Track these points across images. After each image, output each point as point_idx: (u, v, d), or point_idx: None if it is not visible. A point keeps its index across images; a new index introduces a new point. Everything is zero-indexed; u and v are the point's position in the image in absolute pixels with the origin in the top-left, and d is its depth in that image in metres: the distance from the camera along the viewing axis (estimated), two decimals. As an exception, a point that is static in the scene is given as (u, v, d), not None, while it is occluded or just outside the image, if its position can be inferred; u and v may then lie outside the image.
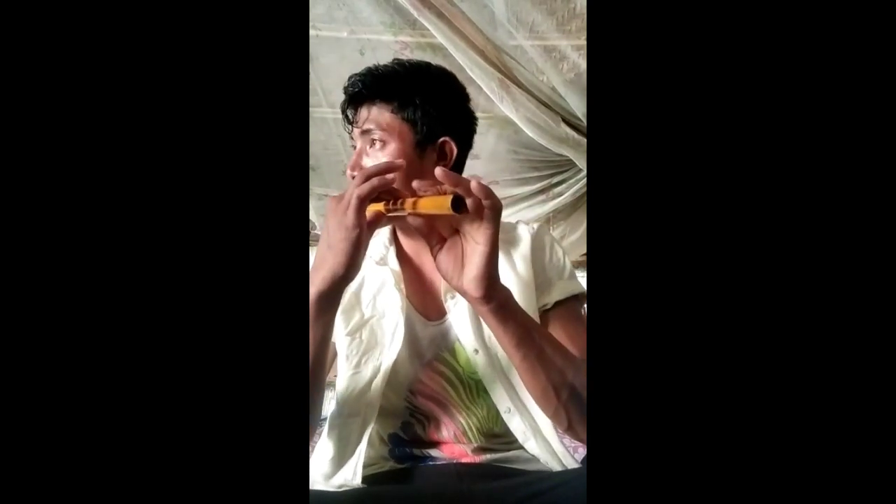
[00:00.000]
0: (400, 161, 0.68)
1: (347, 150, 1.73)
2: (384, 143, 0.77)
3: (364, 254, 0.64)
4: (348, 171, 0.79)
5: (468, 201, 0.59)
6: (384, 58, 1.42)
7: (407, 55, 1.43)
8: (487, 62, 1.35)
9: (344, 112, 0.83)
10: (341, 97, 0.84)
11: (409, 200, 0.65)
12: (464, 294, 0.66)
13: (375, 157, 0.77)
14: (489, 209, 0.60)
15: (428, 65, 0.85)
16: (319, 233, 2.06)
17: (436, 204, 0.61)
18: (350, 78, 0.82)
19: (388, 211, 0.66)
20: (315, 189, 1.87)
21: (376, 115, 0.79)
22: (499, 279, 0.65)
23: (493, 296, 0.64)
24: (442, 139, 0.80)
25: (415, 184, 0.64)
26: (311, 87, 1.51)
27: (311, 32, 1.39)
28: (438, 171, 0.60)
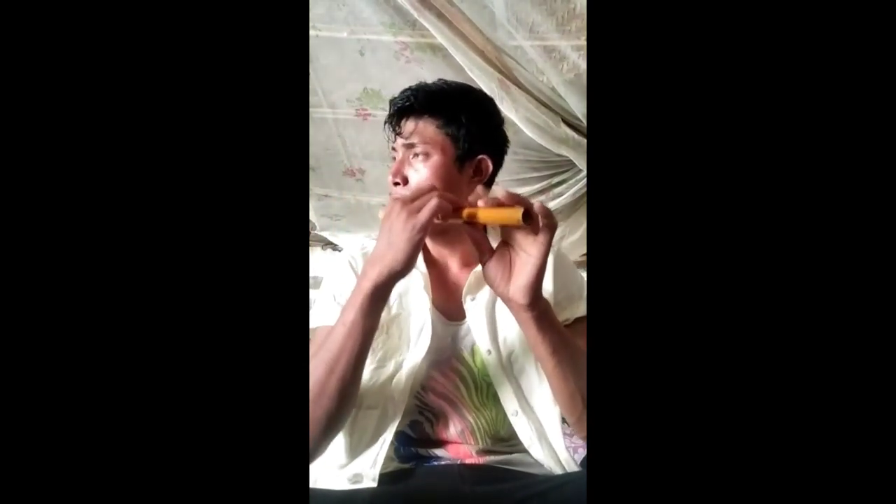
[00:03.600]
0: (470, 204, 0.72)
1: (347, 150, 1.73)
2: (427, 156, 0.83)
3: (419, 254, 0.68)
4: (390, 178, 0.85)
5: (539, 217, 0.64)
6: (384, 58, 1.44)
7: (407, 55, 1.43)
8: (487, 62, 1.35)
9: (389, 123, 0.88)
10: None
11: (468, 211, 0.69)
12: (508, 301, 0.70)
13: (417, 168, 0.84)
14: (547, 226, 0.65)
15: (472, 87, 0.94)
16: (319, 233, 2.07)
17: (505, 215, 0.66)
18: (401, 92, 0.88)
19: (445, 220, 0.69)
20: (315, 189, 1.87)
21: (422, 129, 0.85)
22: (542, 290, 0.69)
23: (537, 304, 0.68)
24: (480, 156, 0.87)
25: (480, 202, 0.68)
26: (311, 87, 1.50)
27: (311, 32, 1.39)
28: (502, 191, 0.65)
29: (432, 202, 0.65)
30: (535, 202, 0.65)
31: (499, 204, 0.66)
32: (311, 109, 1.55)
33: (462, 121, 0.84)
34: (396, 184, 0.84)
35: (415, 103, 0.85)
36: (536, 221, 0.64)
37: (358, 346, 0.68)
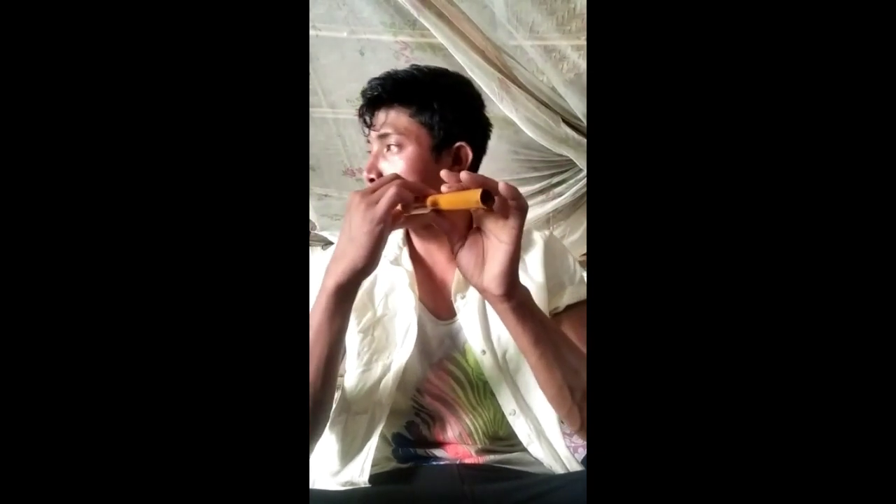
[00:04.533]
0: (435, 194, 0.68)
1: (347, 150, 1.73)
2: (401, 147, 0.79)
3: (383, 249, 0.64)
4: (365, 174, 0.80)
5: (496, 200, 0.60)
6: (384, 58, 1.44)
7: (407, 55, 1.43)
8: (487, 62, 1.35)
9: (362, 115, 0.84)
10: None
11: (431, 198, 0.65)
12: (483, 292, 0.66)
13: (392, 161, 0.79)
14: (516, 209, 0.60)
15: (446, 71, 0.87)
16: (319, 233, 2.07)
17: (463, 199, 0.61)
18: (369, 82, 0.83)
19: (408, 210, 0.66)
20: (315, 189, 1.86)
21: (394, 119, 0.80)
22: (518, 278, 0.65)
23: (514, 294, 0.64)
24: (458, 144, 0.82)
25: (442, 188, 0.63)
26: (311, 87, 1.50)
27: (311, 32, 1.39)
28: (464, 174, 0.60)
29: (390, 191, 0.62)
30: (500, 182, 0.60)
31: (462, 188, 0.62)
32: (311, 109, 1.55)
33: (435, 107, 0.80)
34: (371, 180, 0.79)
35: (383, 93, 0.81)
36: (500, 202, 0.60)
37: (326, 349, 0.65)
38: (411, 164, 0.78)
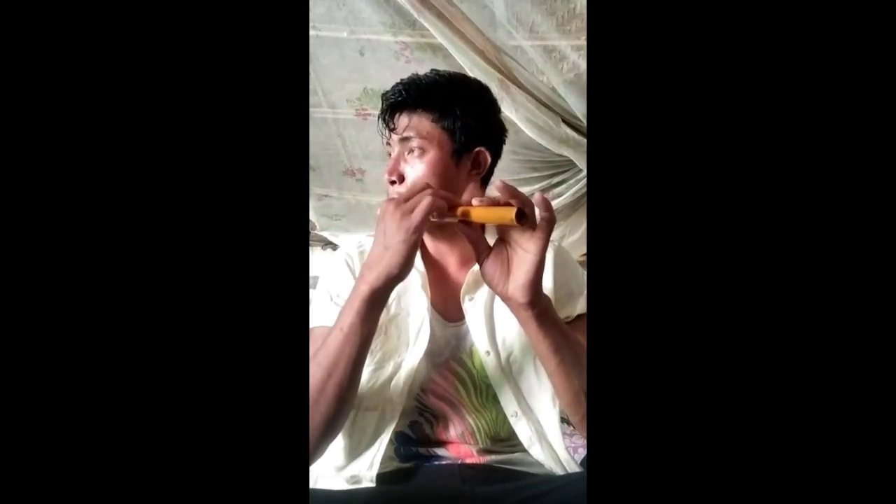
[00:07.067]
0: (464, 202, 0.70)
1: (347, 150, 1.73)
2: (423, 151, 0.80)
3: (415, 256, 0.66)
4: (386, 176, 0.82)
5: (535, 213, 0.62)
6: (384, 58, 1.43)
7: (407, 55, 1.43)
8: (487, 62, 1.35)
9: (382, 118, 0.86)
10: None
11: (462, 209, 0.67)
12: (507, 300, 0.68)
13: (414, 164, 0.81)
14: (545, 221, 0.63)
15: (466, 76, 0.91)
16: (319, 233, 2.07)
17: (498, 215, 0.64)
18: (393, 86, 0.85)
19: (439, 217, 0.67)
20: (315, 189, 1.86)
21: (417, 123, 0.82)
22: (542, 287, 0.68)
23: (538, 302, 0.67)
24: (477, 149, 0.84)
25: (474, 201, 0.67)
26: (311, 87, 1.50)
27: (311, 32, 1.39)
28: (499, 184, 0.63)
29: (425, 201, 0.64)
30: (536, 194, 0.62)
31: (493, 202, 0.64)
32: (311, 109, 1.55)
33: (457, 113, 0.82)
34: (393, 182, 0.81)
35: (407, 98, 0.82)
36: (532, 219, 0.63)
37: (356, 351, 0.67)
38: (433, 169, 0.80)
